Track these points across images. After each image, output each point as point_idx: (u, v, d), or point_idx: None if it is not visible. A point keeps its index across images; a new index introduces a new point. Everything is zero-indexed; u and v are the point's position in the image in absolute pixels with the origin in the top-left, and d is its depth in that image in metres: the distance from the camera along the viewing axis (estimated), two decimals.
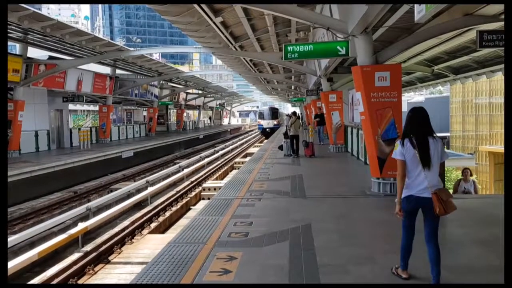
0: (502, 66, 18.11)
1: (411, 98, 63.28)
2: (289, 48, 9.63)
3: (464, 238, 5.90)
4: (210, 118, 67.76)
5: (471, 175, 10.33)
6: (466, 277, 4.41)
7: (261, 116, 52.67)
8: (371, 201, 8.31)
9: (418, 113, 4.18)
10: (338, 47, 9.27)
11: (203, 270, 4.71)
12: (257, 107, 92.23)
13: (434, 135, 4.12)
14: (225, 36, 16.52)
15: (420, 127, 4.13)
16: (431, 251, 4.11)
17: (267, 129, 48.85)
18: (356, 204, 8.06)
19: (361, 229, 6.11)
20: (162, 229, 11.53)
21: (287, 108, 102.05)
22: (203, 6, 12.23)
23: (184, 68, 68.16)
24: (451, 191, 10.09)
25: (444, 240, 5.74)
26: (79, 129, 27.37)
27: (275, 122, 50.54)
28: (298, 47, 9.71)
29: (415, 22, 5.00)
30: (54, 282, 7.30)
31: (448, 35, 12.14)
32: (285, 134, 17.49)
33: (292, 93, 46.64)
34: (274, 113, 51.88)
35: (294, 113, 17.36)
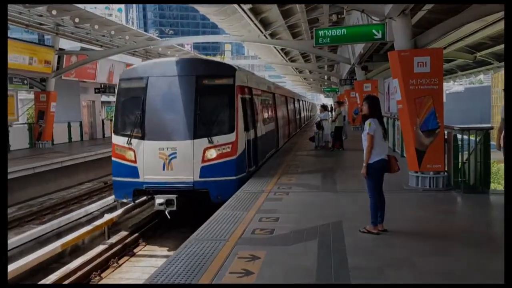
0: None
1: (449, 88, 60.88)
2: (320, 32, 9.13)
3: None
4: None
5: None
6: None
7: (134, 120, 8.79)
8: (409, 197, 7.76)
9: (377, 100, 5.63)
10: (373, 31, 8.77)
11: (222, 270, 4.35)
12: None
13: None
14: (255, 24, 16.12)
15: (379, 110, 5.53)
16: (383, 200, 5.47)
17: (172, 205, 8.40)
18: (392, 200, 7.43)
19: (397, 228, 5.59)
20: None
21: (320, 99, 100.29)
22: None
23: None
24: None
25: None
26: (111, 120, 27.64)
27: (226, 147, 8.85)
28: (330, 31, 9.23)
29: None
30: (78, 274, 7.13)
31: (495, 16, 11.20)
32: (318, 125, 16.77)
33: (326, 83, 45.55)
34: (221, 90, 9.01)
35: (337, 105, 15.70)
